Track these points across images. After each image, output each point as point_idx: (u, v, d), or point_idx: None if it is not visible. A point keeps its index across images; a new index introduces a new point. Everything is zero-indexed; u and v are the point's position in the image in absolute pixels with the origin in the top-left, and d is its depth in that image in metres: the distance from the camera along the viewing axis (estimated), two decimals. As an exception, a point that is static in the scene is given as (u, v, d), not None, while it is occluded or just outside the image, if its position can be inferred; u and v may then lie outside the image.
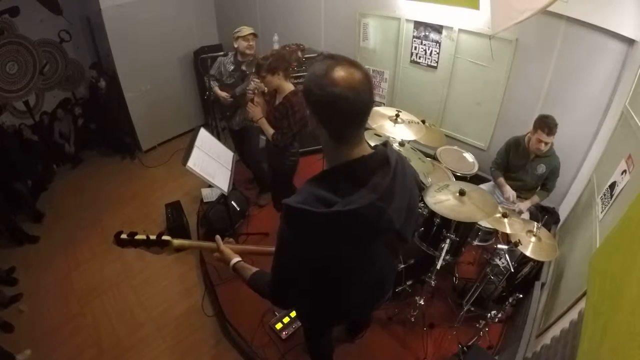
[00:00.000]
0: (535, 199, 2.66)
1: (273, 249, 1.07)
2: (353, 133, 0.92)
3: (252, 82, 2.75)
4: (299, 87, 2.36)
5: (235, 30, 3.00)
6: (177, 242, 1.33)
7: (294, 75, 2.91)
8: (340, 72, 0.84)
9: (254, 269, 1.24)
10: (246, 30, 2.98)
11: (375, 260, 1.09)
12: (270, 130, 2.47)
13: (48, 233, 3.67)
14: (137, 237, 1.27)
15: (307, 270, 1.00)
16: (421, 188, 2.07)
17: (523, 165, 2.64)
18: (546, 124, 2.39)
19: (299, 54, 3.61)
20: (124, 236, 1.27)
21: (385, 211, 0.92)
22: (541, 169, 2.58)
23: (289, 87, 2.44)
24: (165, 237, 1.29)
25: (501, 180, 2.73)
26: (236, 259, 1.31)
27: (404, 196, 1.00)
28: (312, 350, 1.94)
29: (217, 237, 1.38)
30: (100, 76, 4.30)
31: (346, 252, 0.97)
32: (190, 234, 3.39)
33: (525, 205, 2.63)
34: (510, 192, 2.65)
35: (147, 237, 1.28)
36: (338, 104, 0.84)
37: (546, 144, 2.44)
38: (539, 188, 2.69)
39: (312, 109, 0.91)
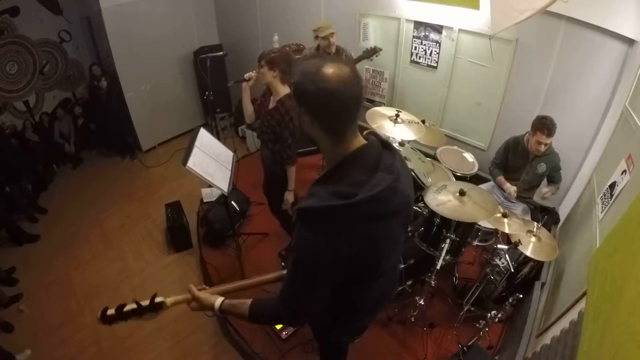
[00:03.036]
0: (553, 189, 2.62)
1: (260, 277, 1.02)
2: (347, 126, 0.94)
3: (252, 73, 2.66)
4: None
5: (315, 28, 3.12)
6: (170, 300, 1.22)
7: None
8: (330, 68, 0.87)
9: (249, 301, 1.12)
10: (324, 30, 3.05)
11: (397, 239, 1.10)
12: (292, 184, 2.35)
13: (48, 233, 3.67)
14: (125, 309, 1.14)
15: (333, 273, 0.95)
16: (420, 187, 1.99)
17: (523, 165, 2.64)
18: (545, 126, 2.39)
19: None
20: (110, 312, 1.13)
21: (400, 188, 0.96)
22: (542, 167, 2.58)
23: (283, 90, 2.25)
24: (158, 299, 1.18)
25: (501, 178, 2.72)
26: (220, 299, 1.19)
27: (408, 175, 1.09)
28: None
29: (190, 285, 1.24)
30: (102, 75, 4.31)
31: (375, 236, 0.96)
32: (190, 234, 3.40)
33: (548, 188, 2.60)
34: (511, 189, 2.63)
35: (138, 305, 1.15)
36: (331, 98, 0.87)
37: (545, 145, 2.45)
38: (547, 183, 2.67)
39: (307, 106, 0.92)
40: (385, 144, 1.02)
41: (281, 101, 2.22)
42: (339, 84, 0.86)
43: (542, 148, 2.46)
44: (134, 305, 1.15)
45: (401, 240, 1.15)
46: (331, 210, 0.87)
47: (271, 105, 2.32)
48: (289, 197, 2.42)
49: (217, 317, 2.70)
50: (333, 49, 3.15)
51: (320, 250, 0.90)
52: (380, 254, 1.04)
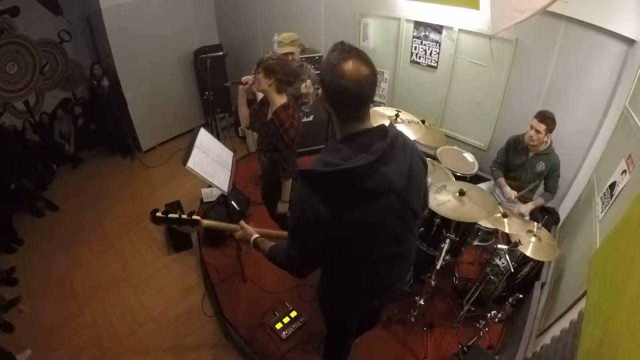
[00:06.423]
0: (540, 201, 2.64)
1: None
2: (355, 113, 1.07)
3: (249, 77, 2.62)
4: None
5: (280, 39, 3.12)
6: (206, 222, 1.53)
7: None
8: (349, 65, 0.97)
9: (272, 243, 1.39)
10: (283, 47, 3.06)
11: (385, 222, 1.14)
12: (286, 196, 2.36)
13: (48, 233, 3.67)
14: (170, 215, 1.48)
15: (315, 233, 1.09)
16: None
17: (522, 164, 2.64)
18: (539, 113, 2.43)
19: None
20: (159, 214, 1.47)
21: (382, 170, 1.03)
22: (540, 166, 2.57)
23: (279, 99, 2.14)
24: (195, 217, 1.49)
25: (501, 180, 2.73)
26: (256, 235, 1.48)
27: (403, 162, 1.11)
28: (330, 351, 1.90)
29: (242, 221, 1.56)
30: (104, 75, 4.31)
31: (354, 209, 1.06)
32: (190, 234, 3.40)
33: (527, 207, 2.61)
34: (511, 192, 2.65)
35: (180, 216, 1.48)
36: (341, 93, 1.00)
37: (537, 131, 2.44)
38: (543, 189, 2.67)
39: (324, 91, 1.05)
40: (384, 133, 1.08)
41: (276, 113, 2.13)
42: (351, 82, 0.97)
43: (534, 135, 2.46)
44: (176, 215, 1.48)
45: (394, 227, 1.18)
46: (315, 173, 1.03)
47: (269, 116, 2.24)
48: (282, 208, 2.38)
49: (217, 316, 2.71)
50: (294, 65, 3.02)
51: (305, 208, 1.06)
52: (359, 231, 1.11)
